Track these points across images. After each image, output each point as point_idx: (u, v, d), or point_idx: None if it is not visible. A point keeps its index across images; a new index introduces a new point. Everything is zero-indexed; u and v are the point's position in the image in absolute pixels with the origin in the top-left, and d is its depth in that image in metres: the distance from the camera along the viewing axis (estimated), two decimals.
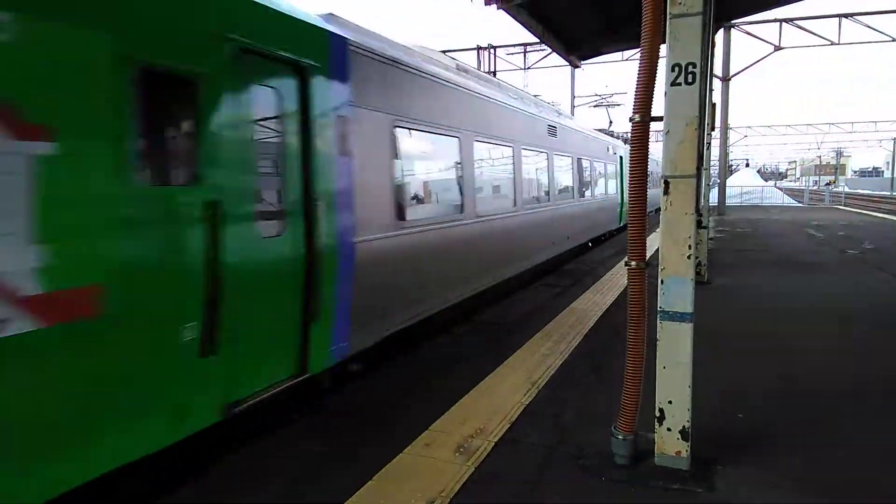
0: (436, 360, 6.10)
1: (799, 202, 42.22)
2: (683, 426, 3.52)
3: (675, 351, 3.48)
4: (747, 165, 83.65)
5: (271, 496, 3.49)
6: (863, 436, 4.07)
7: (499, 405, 4.67)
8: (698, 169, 3.39)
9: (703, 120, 3.36)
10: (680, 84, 3.32)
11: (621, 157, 18.45)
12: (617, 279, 10.37)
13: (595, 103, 35.22)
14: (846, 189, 56.96)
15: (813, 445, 3.94)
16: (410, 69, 6.03)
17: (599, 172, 15.40)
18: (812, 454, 3.82)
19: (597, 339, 6.57)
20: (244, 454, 4.01)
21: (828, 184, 62.04)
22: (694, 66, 3.28)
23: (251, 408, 3.84)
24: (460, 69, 8.19)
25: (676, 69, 3.31)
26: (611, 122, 27.23)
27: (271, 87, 4.13)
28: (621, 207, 18.23)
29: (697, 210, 3.41)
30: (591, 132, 15.89)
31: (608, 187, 16.53)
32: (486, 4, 8.65)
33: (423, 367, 5.86)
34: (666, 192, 3.42)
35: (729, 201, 31.52)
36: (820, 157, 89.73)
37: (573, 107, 34.09)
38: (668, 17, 3.34)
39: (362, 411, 4.69)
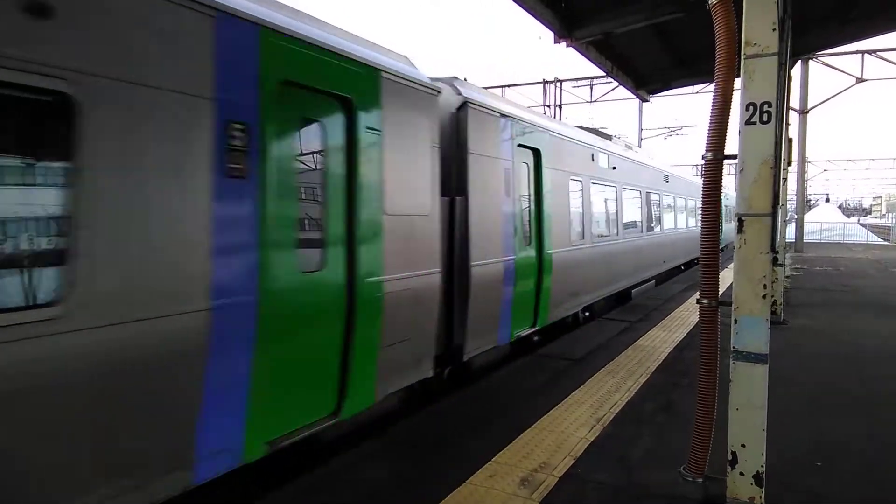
0: (499, 392, 6.10)
1: (885, 240, 39.83)
2: (757, 471, 3.40)
3: (748, 393, 3.39)
4: (827, 201, 79.87)
5: None
6: None
7: (563, 440, 4.64)
8: (774, 207, 3.34)
9: (779, 158, 3.32)
10: (755, 123, 3.30)
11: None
12: (686, 315, 10.09)
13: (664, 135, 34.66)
14: None
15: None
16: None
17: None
18: None
19: (665, 376, 6.42)
20: (307, 478, 4.12)
21: None
22: (769, 105, 3.26)
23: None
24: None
25: (751, 108, 3.30)
26: None
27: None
28: None
29: (773, 248, 3.35)
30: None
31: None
32: (555, 42, 8.79)
33: (486, 399, 5.88)
34: (740, 230, 3.39)
35: (807, 238, 30.13)
36: None
37: (640, 139, 33.67)
38: (742, 57, 3.35)
39: (427, 440, 4.75)
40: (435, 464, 4.27)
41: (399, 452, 4.54)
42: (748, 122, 3.32)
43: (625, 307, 11.61)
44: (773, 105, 3.27)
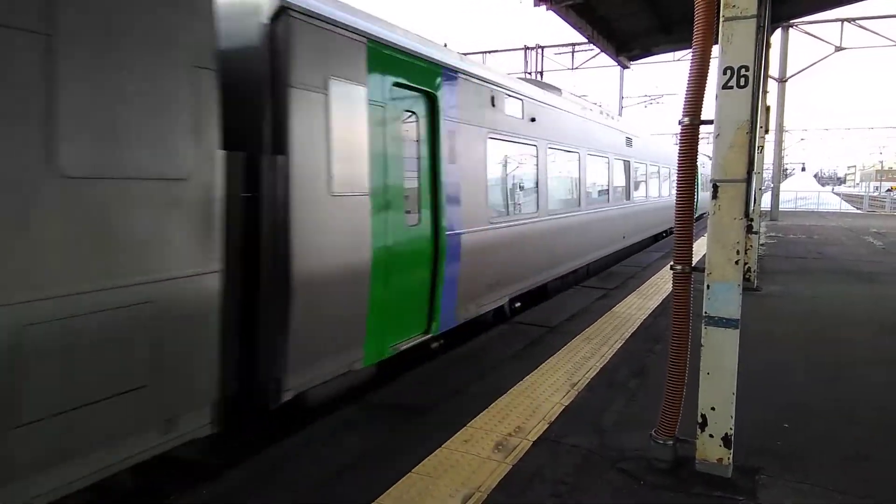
0: (476, 359, 6.14)
1: (858, 208, 40.57)
2: (726, 433, 3.47)
3: (719, 357, 3.44)
4: (803, 170, 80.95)
5: (312, 486, 3.59)
6: None
7: (538, 405, 4.68)
8: (749, 173, 3.34)
9: (755, 124, 3.30)
10: (732, 87, 3.27)
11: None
12: (662, 283, 10.20)
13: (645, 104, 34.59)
14: None
15: (862, 460, 3.83)
16: None
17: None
18: (861, 468, 3.71)
19: (639, 343, 6.50)
20: (286, 444, 4.13)
21: (889, 189, 59.37)
22: (747, 69, 3.23)
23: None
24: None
25: (728, 72, 3.26)
26: None
27: None
28: None
29: (747, 214, 3.36)
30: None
31: None
32: (535, 5, 8.63)
33: (463, 366, 5.91)
34: (715, 196, 3.38)
35: (783, 206, 30.56)
36: (882, 161, 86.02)
37: (621, 107, 33.59)
38: (721, 20, 3.30)
39: (403, 406, 4.78)
40: (411, 429, 4.29)
41: (377, 418, 4.56)
42: (725, 86, 3.28)
43: (602, 275, 11.70)
44: (751, 69, 3.24)
